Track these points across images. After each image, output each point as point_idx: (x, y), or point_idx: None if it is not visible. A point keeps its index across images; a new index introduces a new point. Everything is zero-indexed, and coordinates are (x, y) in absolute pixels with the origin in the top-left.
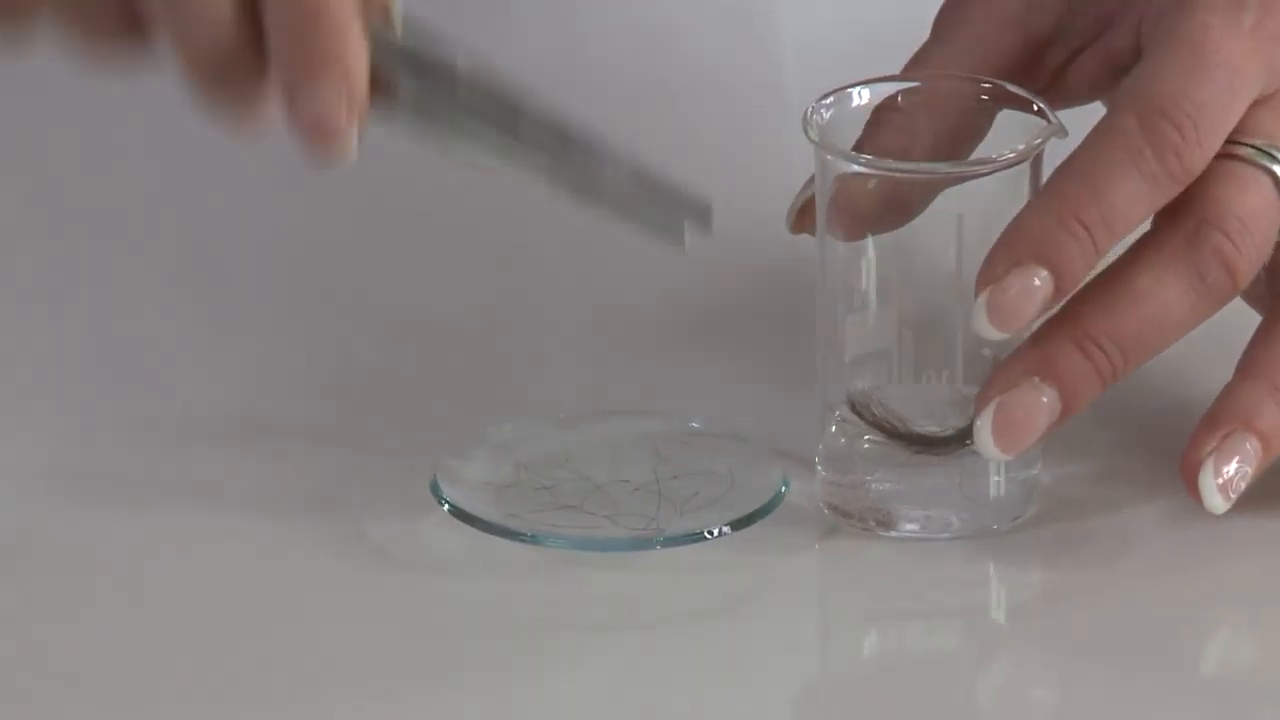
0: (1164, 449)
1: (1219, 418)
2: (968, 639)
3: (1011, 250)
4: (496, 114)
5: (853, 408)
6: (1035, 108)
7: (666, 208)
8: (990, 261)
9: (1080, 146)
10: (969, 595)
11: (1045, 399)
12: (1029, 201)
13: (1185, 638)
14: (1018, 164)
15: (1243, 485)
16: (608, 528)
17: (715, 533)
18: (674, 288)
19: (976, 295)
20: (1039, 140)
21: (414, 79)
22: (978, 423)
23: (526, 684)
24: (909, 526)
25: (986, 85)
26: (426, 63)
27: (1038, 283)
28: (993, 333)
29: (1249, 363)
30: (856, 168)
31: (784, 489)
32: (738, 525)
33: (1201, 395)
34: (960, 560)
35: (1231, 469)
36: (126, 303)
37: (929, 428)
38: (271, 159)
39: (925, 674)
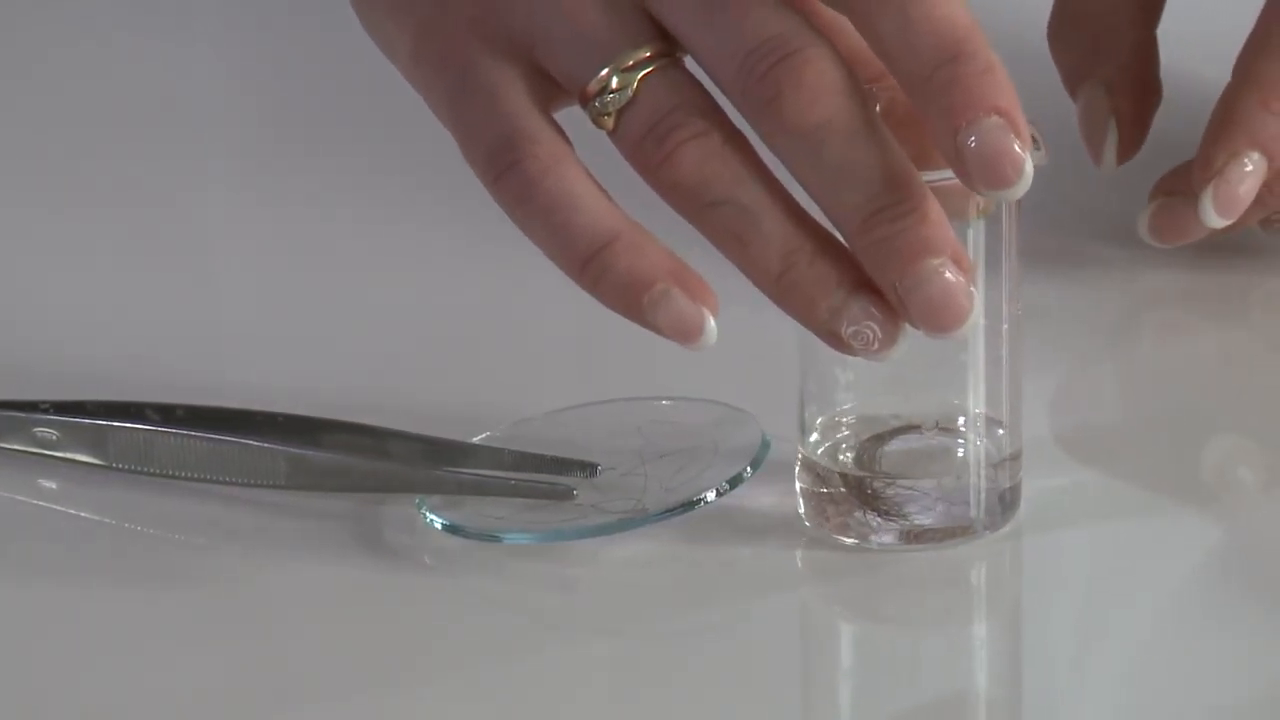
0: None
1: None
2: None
3: (1226, 142)
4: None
5: (844, 477)
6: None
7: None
8: (1207, 157)
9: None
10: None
11: (1250, 166)
12: (1230, 88)
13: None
14: None
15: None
16: (594, 515)
17: (701, 502)
18: None
19: (1200, 190)
20: None
21: None
22: (1201, 201)
23: (522, 681)
24: (885, 538)
25: None
26: None
27: (1250, 167)
28: (1219, 221)
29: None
30: None
31: (765, 448)
32: (722, 491)
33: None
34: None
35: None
36: (123, 296)
37: (923, 520)
38: (269, 157)
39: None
